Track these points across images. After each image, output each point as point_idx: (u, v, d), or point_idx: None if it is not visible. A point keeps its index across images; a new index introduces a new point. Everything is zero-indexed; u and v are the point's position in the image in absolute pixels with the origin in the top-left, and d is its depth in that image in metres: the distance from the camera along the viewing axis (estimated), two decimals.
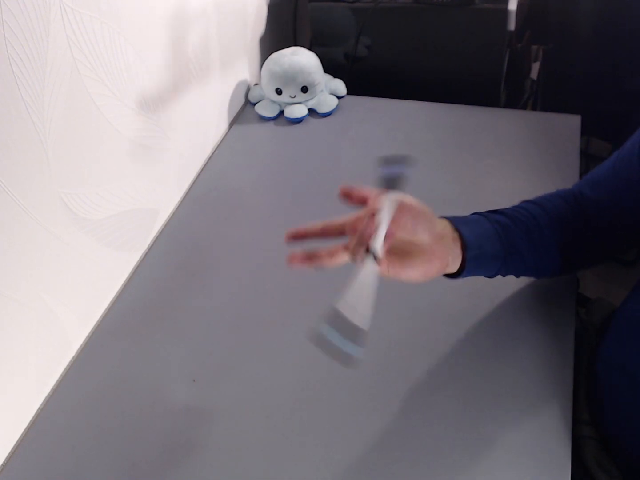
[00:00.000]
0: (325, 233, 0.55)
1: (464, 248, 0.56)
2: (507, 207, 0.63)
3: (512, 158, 0.94)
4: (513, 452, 0.58)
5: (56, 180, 0.63)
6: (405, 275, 0.51)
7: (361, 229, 0.48)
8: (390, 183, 0.50)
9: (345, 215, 0.53)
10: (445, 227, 0.56)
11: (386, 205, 0.48)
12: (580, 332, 0.72)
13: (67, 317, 0.70)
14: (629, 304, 0.61)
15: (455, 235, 0.56)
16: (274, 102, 1.08)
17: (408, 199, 0.52)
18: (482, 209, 0.63)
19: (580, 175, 0.90)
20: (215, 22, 0.96)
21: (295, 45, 1.11)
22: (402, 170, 0.51)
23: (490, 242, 0.58)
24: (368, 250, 0.46)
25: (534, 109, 1.39)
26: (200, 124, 0.97)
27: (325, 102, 1.07)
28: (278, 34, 1.26)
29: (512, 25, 1.03)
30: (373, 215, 0.48)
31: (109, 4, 0.67)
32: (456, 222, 0.57)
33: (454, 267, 0.56)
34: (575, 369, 0.64)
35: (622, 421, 0.60)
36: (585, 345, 0.71)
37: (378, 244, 0.46)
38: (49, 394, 0.68)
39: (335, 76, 1.14)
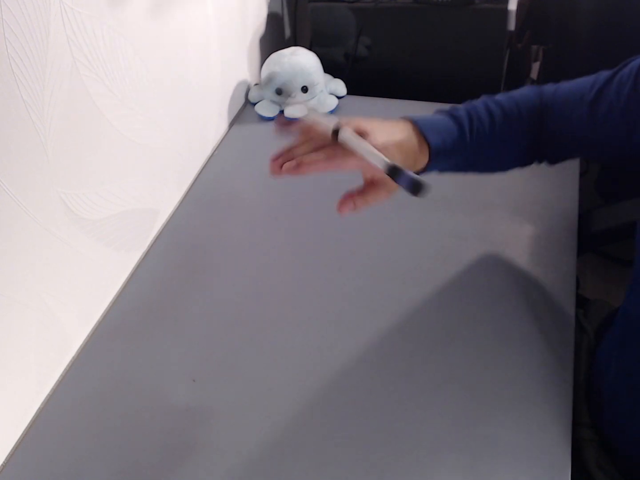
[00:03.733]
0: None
1: (431, 156, 0.58)
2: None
3: None
4: (513, 454, 0.58)
5: (56, 180, 0.63)
6: (372, 199, 0.56)
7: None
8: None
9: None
10: (410, 137, 0.57)
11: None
12: (579, 333, 0.72)
13: (67, 317, 0.70)
14: (626, 305, 0.61)
15: (423, 144, 0.58)
16: (274, 102, 1.08)
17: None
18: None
19: (581, 175, 0.90)
20: (215, 22, 0.96)
21: (295, 45, 1.11)
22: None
23: (453, 141, 0.60)
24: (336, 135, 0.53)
25: None
26: (200, 124, 0.97)
27: (325, 102, 1.07)
28: (278, 34, 1.26)
29: (512, 25, 1.03)
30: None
31: (109, 4, 0.67)
32: (421, 125, 0.59)
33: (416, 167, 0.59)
34: (574, 371, 0.64)
35: (622, 423, 0.60)
36: (584, 347, 0.71)
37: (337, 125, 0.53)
38: (49, 394, 0.68)
39: (335, 76, 1.14)
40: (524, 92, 0.65)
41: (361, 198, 0.56)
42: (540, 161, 0.66)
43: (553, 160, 0.66)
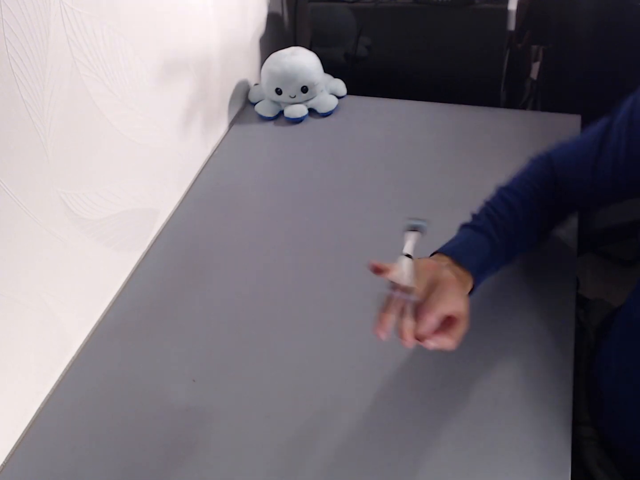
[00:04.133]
0: None
1: (474, 276, 0.60)
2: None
3: (512, 158, 0.94)
4: (513, 453, 0.58)
5: (56, 180, 0.63)
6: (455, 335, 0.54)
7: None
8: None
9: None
10: (449, 272, 0.58)
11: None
12: (579, 333, 0.72)
13: (67, 317, 0.70)
14: (629, 306, 0.61)
15: (462, 272, 0.60)
16: (274, 102, 1.08)
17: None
18: None
19: None
20: (215, 22, 0.96)
21: (295, 45, 1.11)
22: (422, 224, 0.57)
23: (491, 256, 0.63)
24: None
25: (534, 109, 1.39)
26: (201, 123, 0.97)
27: (325, 102, 1.07)
28: (278, 34, 1.26)
29: (512, 25, 1.03)
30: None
31: (109, 3, 0.67)
32: (457, 257, 0.60)
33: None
34: (574, 370, 0.64)
35: (622, 422, 0.60)
36: (585, 346, 0.71)
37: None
38: (49, 394, 0.68)
39: (335, 76, 1.14)
40: (534, 166, 0.69)
41: (446, 336, 0.53)
42: (565, 218, 0.71)
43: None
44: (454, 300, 0.53)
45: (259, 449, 0.60)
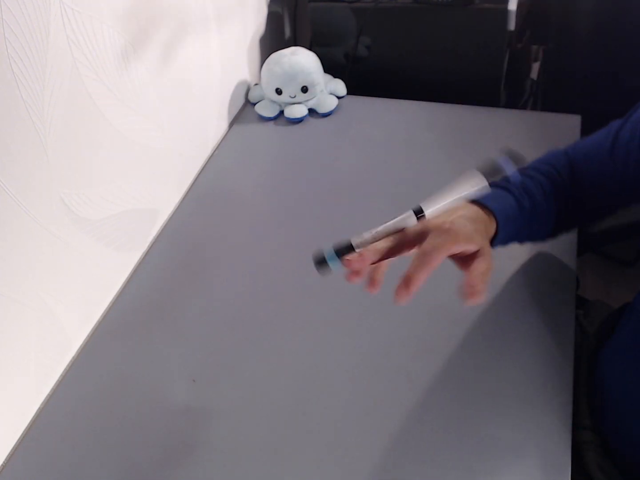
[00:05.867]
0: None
1: (498, 221, 0.56)
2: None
3: None
4: (513, 455, 0.58)
5: (56, 180, 0.63)
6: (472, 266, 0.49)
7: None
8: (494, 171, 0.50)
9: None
10: (478, 215, 0.55)
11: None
12: (579, 334, 0.72)
13: (67, 317, 0.70)
14: (634, 306, 0.61)
15: (489, 216, 0.56)
16: (274, 102, 1.08)
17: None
18: None
19: None
20: (215, 22, 0.96)
21: (295, 45, 1.11)
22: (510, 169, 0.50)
23: (513, 218, 0.59)
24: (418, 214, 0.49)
25: (534, 109, 1.39)
26: (200, 124, 0.97)
27: (325, 102, 1.07)
28: (278, 34, 1.26)
29: (512, 25, 1.03)
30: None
31: (109, 3, 0.67)
32: (486, 202, 0.57)
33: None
34: (575, 372, 0.64)
35: (624, 426, 0.60)
36: (585, 349, 0.71)
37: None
38: (49, 394, 0.68)
39: (335, 76, 1.14)
40: (553, 154, 0.67)
41: (477, 276, 0.48)
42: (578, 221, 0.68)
43: (590, 220, 0.69)
44: (465, 232, 0.48)
45: (259, 449, 0.60)
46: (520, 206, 0.60)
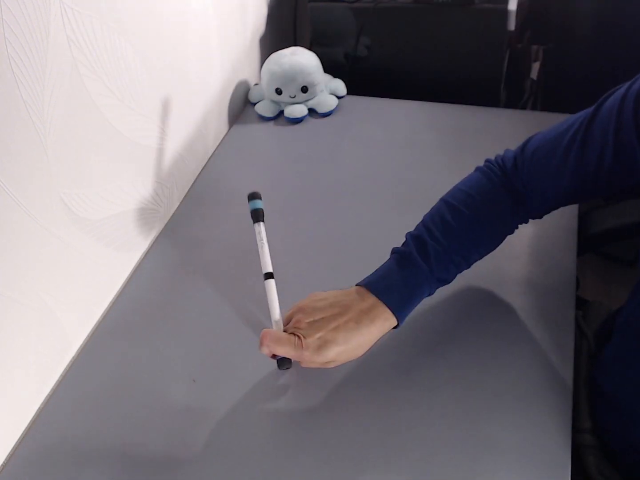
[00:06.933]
0: None
1: (397, 316, 0.60)
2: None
3: None
4: (512, 457, 0.58)
5: (56, 180, 0.63)
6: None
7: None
8: None
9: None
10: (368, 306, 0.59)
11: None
12: (578, 335, 0.72)
13: (67, 317, 0.70)
14: (627, 309, 0.61)
15: (382, 309, 0.59)
16: (274, 102, 1.08)
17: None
18: None
19: None
20: (215, 22, 0.96)
21: (295, 45, 1.11)
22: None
23: (417, 289, 0.61)
24: None
25: (534, 109, 1.39)
26: (200, 123, 0.97)
27: (325, 102, 1.07)
28: (278, 34, 1.26)
29: (512, 25, 1.03)
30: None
31: (109, 4, 0.67)
32: (379, 294, 0.59)
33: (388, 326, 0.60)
34: (574, 374, 0.64)
35: (624, 429, 0.60)
36: (584, 349, 0.71)
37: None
38: (49, 394, 0.68)
39: (335, 76, 1.14)
40: (475, 177, 0.69)
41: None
42: (525, 221, 0.68)
43: (539, 215, 0.68)
44: (340, 361, 0.58)
45: (259, 449, 0.60)
46: (421, 274, 0.60)
